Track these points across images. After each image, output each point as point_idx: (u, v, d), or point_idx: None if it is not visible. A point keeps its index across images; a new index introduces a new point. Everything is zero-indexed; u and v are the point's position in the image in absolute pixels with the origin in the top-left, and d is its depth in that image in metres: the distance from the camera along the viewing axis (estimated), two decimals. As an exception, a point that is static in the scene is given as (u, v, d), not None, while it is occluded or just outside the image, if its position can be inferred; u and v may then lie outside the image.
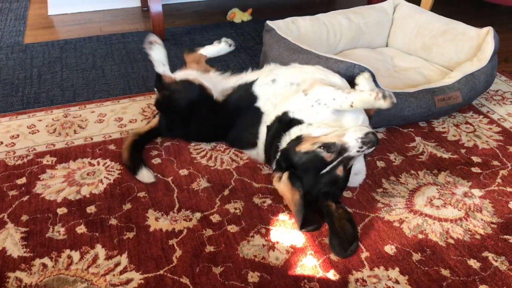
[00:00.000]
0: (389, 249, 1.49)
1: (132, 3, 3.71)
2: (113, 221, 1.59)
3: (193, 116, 1.91)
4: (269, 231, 1.56)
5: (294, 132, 1.64)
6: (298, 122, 1.67)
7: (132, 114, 2.20)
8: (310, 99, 1.67)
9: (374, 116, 1.94)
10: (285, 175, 1.55)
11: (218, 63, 2.71)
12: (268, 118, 1.79)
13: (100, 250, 1.49)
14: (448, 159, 1.90)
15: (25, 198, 1.70)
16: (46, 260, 1.45)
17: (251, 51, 2.89)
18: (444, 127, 2.09)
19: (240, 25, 3.33)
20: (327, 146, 1.50)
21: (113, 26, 3.34)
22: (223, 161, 1.88)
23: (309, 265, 1.44)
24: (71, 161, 1.89)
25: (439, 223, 1.59)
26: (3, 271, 1.42)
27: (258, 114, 1.83)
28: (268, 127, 1.77)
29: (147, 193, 1.72)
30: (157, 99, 1.96)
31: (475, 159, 1.90)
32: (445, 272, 1.41)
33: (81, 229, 1.57)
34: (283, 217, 1.61)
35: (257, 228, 1.57)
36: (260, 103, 1.85)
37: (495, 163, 1.87)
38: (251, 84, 1.90)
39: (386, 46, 2.69)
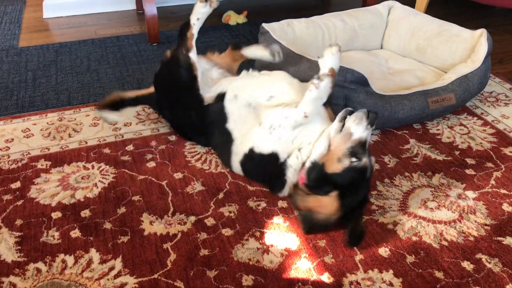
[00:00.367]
0: (383, 251, 1.50)
1: (127, 6, 3.71)
2: (108, 225, 1.59)
3: (179, 106, 1.91)
4: (264, 234, 1.56)
5: (295, 163, 1.61)
6: (274, 156, 1.63)
7: (127, 117, 2.19)
8: (265, 128, 1.63)
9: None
10: (335, 196, 1.50)
11: (213, 66, 2.72)
12: (237, 150, 1.74)
13: (94, 254, 1.49)
14: (442, 161, 1.90)
15: (20, 203, 1.69)
16: (40, 264, 1.45)
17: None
18: (438, 129, 2.10)
19: (235, 27, 3.33)
20: (355, 154, 1.49)
21: (108, 29, 3.34)
22: (218, 164, 1.88)
23: (303, 268, 1.44)
24: (65, 165, 1.89)
25: (433, 225, 1.60)
26: (-3, 276, 1.42)
27: (229, 139, 1.77)
28: (242, 163, 1.74)
29: (141, 196, 1.72)
30: (159, 69, 1.97)
31: (469, 161, 1.90)
32: (439, 274, 1.42)
33: (75, 233, 1.57)
34: (277, 220, 1.62)
35: (251, 231, 1.57)
36: (230, 126, 1.78)
37: (489, 164, 1.88)
38: (223, 96, 1.83)
39: (381, 48, 2.70)
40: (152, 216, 1.63)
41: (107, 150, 1.97)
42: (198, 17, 1.91)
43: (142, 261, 1.46)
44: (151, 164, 1.89)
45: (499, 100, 2.32)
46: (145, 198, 1.71)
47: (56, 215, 1.64)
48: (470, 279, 1.41)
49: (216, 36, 3.16)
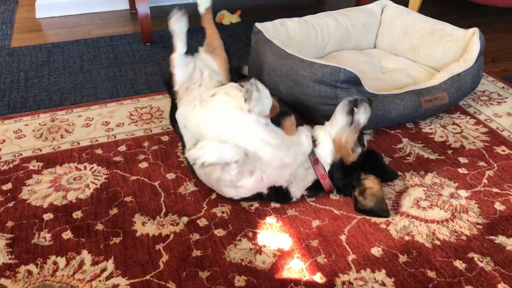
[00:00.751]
0: (376, 251, 1.50)
1: (120, 5, 3.70)
2: (100, 226, 1.59)
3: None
4: (256, 235, 1.56)
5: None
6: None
7: (120, 118, 2.19)
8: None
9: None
10: (370, 177, 1.66)
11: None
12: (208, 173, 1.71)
13: (86, 255, 1.48)
14: (435, 160, 1.90)
15: (11, 204, 1.68)
16: (31, 266, 1.44)
17: (239, 53, 2.89)
18: (431, 128, 2.10)
19: (229, 27, 3.33)
20: (361, 140, 1.67)
21: (101, 29, 3.32)
22: (211, 165, 1.87)
23: (296, 268, 1.44)
24: (57, 166, 1.88)
25: (425, 224, 1.60)
26: (-12, 278, 1.41)
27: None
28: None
29: (134, 197, 1.71)
30: None
31: (462, 160, 1.91)
32: (431, 274, 1.42)
33: (67, 234, 1.56)
34: (270, 220, 1.61)
35: (244, 231, 1.57)
36: (187, 144, 1.79)
37: (482, 163, 1.88)
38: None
39: (374, 47, 2.70)
40: (144, 217, 1.62)
41: (99, 151, 1.96)
42: (174, 32, 1.94)
43: (134, 262, 1.46)
44: (144, 165, 1.88)
45: (492, 99, 2.33)
46: (137, 199, 1.70)
47: (47, 216, 1.63)
48: (462, 278, 1.41)
49: (210, 36, 3.15)
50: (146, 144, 2.00)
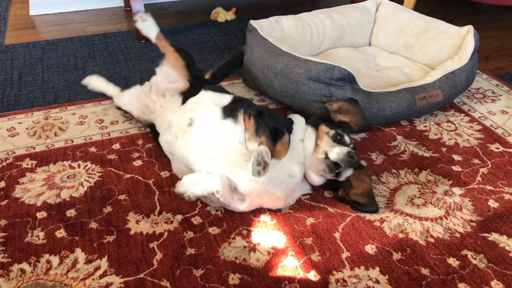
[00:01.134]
0: (370, 248, 1.50)
1: (115, 3, 3.68)
2: (93, 225, 1.58)
3: None
4: (250, 233, 1.56)
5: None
6: None
7: (114, 116, 2.18)
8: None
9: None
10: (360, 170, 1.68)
11: (202, 63, 2.71)
12: None
13: (79, 254, 1.48)
14: (429, 158, 1.91)
15: (4, 203, 1.68)
16: (24, 265, 1.44)
17: (234, 51, 2.88)
18: (425, 126, 2.10)
19: (224, 24, 3.32)
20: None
21: (95, 26, 3.31)
22: (205, 162, 1.87)
23: (290, 266, 1.44)
24: (51, 164, 1.87)
25: (419, 222, 1.60)
26: (-19, 277, 1.40)
27: None
28: None
29: (128, 195, 1.71)
30: None
31: (456, 157, 1.91)
32: (425, 271, 1.42)
33: (60, 233, 1.55)
34: (264, 218, 1.61)
35: (238, 229, 1.57)
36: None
37: (476, 161, 1.89)
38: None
39: (369, 45, 2.70)
40: (138, 215, 1.62)
41: (93, 149, 1.95)
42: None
43: (128, 260, 1.45)
44: (138, 163, 1.87)
45: (486, 97, 2.33)
46: (131, 197, 1.70)
47: (41, 215, 1.62)
48: (455, 275, 1.41)
49: (205, 33, 3.14)
50: (140, 142, 2.00)
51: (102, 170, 1.83)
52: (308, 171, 1.62)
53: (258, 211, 1.64)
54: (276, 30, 2.39)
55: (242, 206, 1.60)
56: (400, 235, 1.55)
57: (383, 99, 1.99)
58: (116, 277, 1.40)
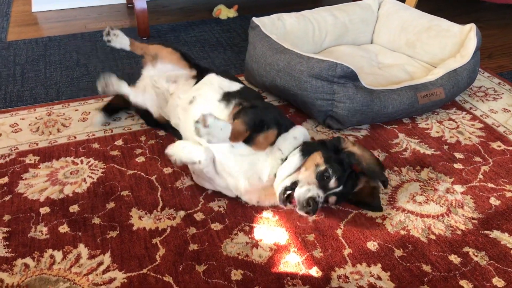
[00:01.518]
0: (372, 245, 1.51)
1: (117, -1, 3.69)
2: (96, 220, 1.59)
3: None
4: (253, 229, 1.56)
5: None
6: None
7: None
8: None
9: (357, 114, 1.96)
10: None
11: (204, 61, 2.71)
12: None
13: (83, 249, 1.48)
14: (431, 156, 1.91)
15: (7, 198, 1.68)
16: (28, 260, 1.44)
17: (236, 48, 2.88)
18: (427, 124, 2.11)
19: (226, 21, 3.32)
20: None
21: (97, 23, 3.31)
22: (208, 159, 1.87)
23: (292, 262, 1.45)
24: (54, 160, 1.87)
25: (421, 219, 1.61)
26: (-15, 271, 1.41)
27: None
28: None
29: (130, 191, 1.71)
30: None
31: (458, 155, 1.91)
32: (427, 268, 1.43)
33: (64, 228, 1.56)
34: (266, 214, 1.62)
35: (240, 226, 1.57)
36: None
37: (477, 159, 1.89)
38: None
39: (371, 43, 2.71)
40: (141, 211, 1.63)
41: (96, 145, 1.96)
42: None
43: (131, 256, 1.46)
44: (140, 159, 1.88)
45: (488, 95, 2.33)
46: (134, 193, 1.70)
47: (44, 210, 1.63)
48: (457, 272, 1.42)
49: (207, 30, 3.15)
50: (143, 138, 2.00)
51: (105, 166, 1.84)
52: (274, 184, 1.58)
53: (260, 207, 1.64)
54: (279, 27, 2.39)
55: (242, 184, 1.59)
56: (402, 232, 1.55)
57: (385, 97, 1.99)
58: (119, 272, 1.41)
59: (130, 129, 2.07)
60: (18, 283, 1.37)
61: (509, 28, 3.20)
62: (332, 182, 1.50)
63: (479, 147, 1.96)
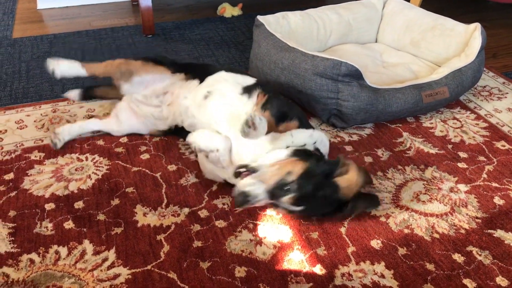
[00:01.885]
0: (375, 243, 1.51)
1: (122, -3, 3.70)
2: (101, 217, 1.60)
3: None
4: (257, 226, 1.57)
5: None
6: None
7: (121, 109, 2.19)
8: None
9: (361, 113, 1.96)
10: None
11: (208, 58, 2.72)
12: None
13: (87, 245, 1.49)
14: (435, 155, 1.91)
15: (13, 194, 1.69)
16: (33, 255, 1.45)
17: (241, 46, 2.89)
18: (431, 123, 2.11)
19: (230, 19, 3.32)
20: None
21: (102, 20, 3.32)
22: (212, 157, 1.88)
23: (296, 260, 1.45)
24: (59, 156, 1.88)
25: (425, 218, 1.61)
26: (-10, 266, 1.42)
27: None
28: None
29: (135, 188, 1.72)
30: None
31: (462, 154, 1.92)
32: (430, 266, 1.43)
33: (69, 224, 1.57)
34: (270, 212, 1.62)
35: (244, 223, 1.58)
36: None
37: (481, 158, 1.89)
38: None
39: (376, 41, 2.71)
40: (145, 208, 1.63)
41: (101, 142, 1.97)
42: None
43: (135, 252, 1.47)
44: (145, 156, 1.89)
45: (493, 94, 2.33)
46: (138, 190, 1.71)
47: (49, 206, 1.64)
48: (460, 271, 1.42)
49: (211, 28, 3.15)
50: (147, 136, 2.01)
51: (110, 163, 1.85)
52: None
53: (264, 205, 1.65)
54: (283, 25, 2.39)
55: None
56: (406, 231, 1.56)
57: (390, 96, 1.99)
58: (124, 268, 1.42)
59: (135, 126, 2.07)
60: (24, 278, 1.38)
61: (514, 27, 3.20)
62: (286, 199, 1.42)
63: (483, 146, 1.96)
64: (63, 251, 1.47)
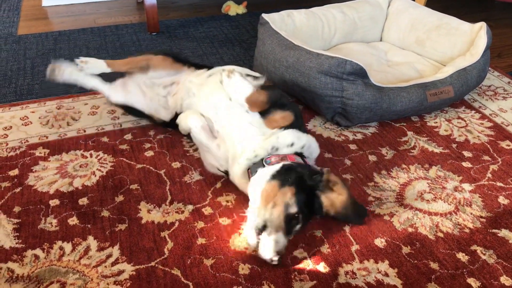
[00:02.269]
0: (379, 242, 1.51)
1: (126, -5, 3.70)
2: (105, 213, 1.60)
3: None
4: (261, 224, 1.57)
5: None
6: None
7: (126, 106, 2.19)
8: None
9: (366, 111, 1.96)
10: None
11: (213, 56, 2.72)
12: None
13: (92, 241, 1.50)
14: (440, 154, 1.91)
15: (18, 190, 1.70)
16: (38, 251, 1.46)
17: (245, 44, 2.89)
18: (436, 122, 2.10)
19: (235, 18, 3.32)
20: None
21: (107, 18, 3.33)
22: (216, 154, 1.88)
23: (300, 257, 1.45)
24: (63, 153, 1.89)
25: (429, 217, 1.61)
26: (-5, 262, 1.43)
27: None
28: None
29: (139, 185, 1.72)
30: None
31: (466, 154, 1.91)
32: (434, 265, 1.43)
33: (73, 220, 1.57)
34: (274, 210, 1.62)
35: (248, 220, 1.58)
36: None
37: (486, 158, 1.89)
38: None
39: (380, 40, 2.70)
40: (149, 205, 1.64)
41: (105, 139, 1.97)
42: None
43: (139, 249, 1.47)
44: (149, 153, 1.89)
45: (497, 94, 2.33)
46: (143, 187, 1.72)
47: (54, 202, 1.64)
48: (464, 270, 1.42)
49: (216, 26, 3.15)
50: (151, 133, 2.01)
51: (114, 160, 1.85)
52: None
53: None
54: (288, 24, 2.39)
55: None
56: (410, 230, 1.55)
57: (394, 95, 1.99)
58: (128, 265, 1.42)
59: (139, 123, 2.08)
60: (28, 273, 1.39)
61: (519, 27, 3.19)
62: (298, 227, 1.46)
63: (488, 146, 1.96)
64: (68, 247, 1.47)
